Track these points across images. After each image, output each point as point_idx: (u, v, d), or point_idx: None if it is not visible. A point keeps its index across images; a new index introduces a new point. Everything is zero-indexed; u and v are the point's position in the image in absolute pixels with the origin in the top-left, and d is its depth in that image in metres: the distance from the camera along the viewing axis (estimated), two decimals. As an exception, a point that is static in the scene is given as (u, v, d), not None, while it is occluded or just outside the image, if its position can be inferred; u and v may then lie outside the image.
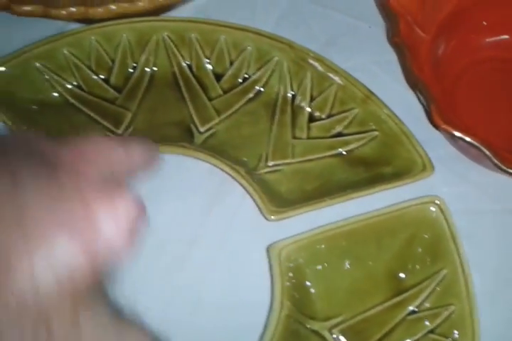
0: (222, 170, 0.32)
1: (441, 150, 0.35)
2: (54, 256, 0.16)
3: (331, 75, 0.35)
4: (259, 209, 0.30)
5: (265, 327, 0.27)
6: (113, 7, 0.33)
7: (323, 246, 0.30)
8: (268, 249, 0.29)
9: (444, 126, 0.29)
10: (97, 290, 0.18)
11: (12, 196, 0.16)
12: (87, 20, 0.36)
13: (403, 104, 0.36)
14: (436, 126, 0.29)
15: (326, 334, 0.29)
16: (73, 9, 0.33)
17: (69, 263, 0.16)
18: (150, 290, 0.30)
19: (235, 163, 0.33)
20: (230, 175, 0.32)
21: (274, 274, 0.28)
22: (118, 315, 0.19)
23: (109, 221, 0.17)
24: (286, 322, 0.27)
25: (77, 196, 0.17)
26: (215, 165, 0.33)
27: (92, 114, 0.35)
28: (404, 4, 0.32)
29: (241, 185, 0.32)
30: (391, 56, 0.40)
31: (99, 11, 0.33)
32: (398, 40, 0.31)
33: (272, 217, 0.30)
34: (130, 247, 0.18)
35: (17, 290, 0.15)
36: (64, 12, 0.33)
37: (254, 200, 0.31)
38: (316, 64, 0.35)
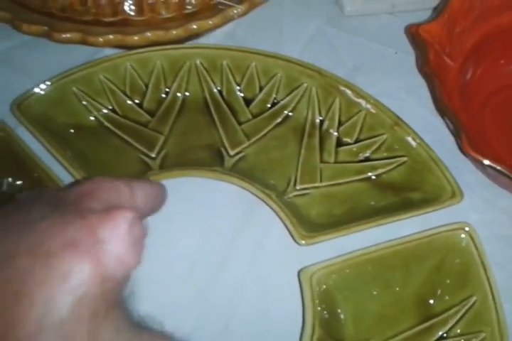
0: (252, 193, 0.33)
1: (468, 176, 0.35)
2: (69, 278, 0.17)
3: (359, 101, 0.35)
4: (290, 233, 0.31)
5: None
6: (148, 34, 0.35)
7: (353, 271, 0.30)
8: (299, 273, 0.29)
9: (474, 154, 0.29)
10: (116, 305, 0.18)
11: (22, 226, 0.18)
12: (122, 46, 0.37)
13: (429, 128, 0.37)
14: (465, 154, 0.30)
15: (356, 359, 0.29)
16: (111, 37, 0.34)
17: (84, 283, 0.17)
18: (178, 314, 0.31)
19: (264, 186, 0.34)
20: (261, 199, 0.32)
21: (306, 298, 0.28)
22: (139, 326, 0.19)
23: (112, 236, 0.18)
24: (317, 346, 0.27)
25: (79, 221, 0.18)
26: (245, 189, 0.33)
27: (126, 137, 0.36)
28: (434, 34, 0.33)
29: (272, 208, 0.32)
30: (417, 81, 0.40)
31: (135, 39, 0.34)
32: (428, 69, 0.31)
33: (303, 241, 0.30)
34: (138, 259, 0.19)
35: (38, 314, 0.16)
36: (101, 39, 0.34)
37: (285, 225, 0.31)
38: (345, 90, 0.35)
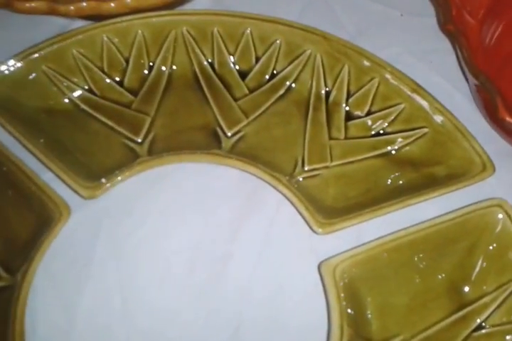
0: (258, 177, 0.29)
1: (492, 147, 0.32)
2: None
3: (372, 68, 0.31)
4: (306, 221, 0.27)
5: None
6: (128, 1, 0.30)
7: (379, 260, 0.26)
8: (320, 266, 0.26)
9: (510, 120, 0.26)
10: None
11: None
12: (96, 17, 0.32)
13: (443, 96, 0.33)
14: (499, 120, 0.26)
15: (387, 358, 0.26)
16: (83, 4, 0.29)
17: None
18: (183, 314, 0.27)
19: (270, 169, 0.30)
20: (269, 183, 0.28)
21: (330, 295, 0.25)
22: None
23: None
24: (347, 349, 0.24)
25: None
26: (249, 173, 0.29)
27: (106, 121, 0.31)
28: (453, -14, 0.29)
29: (282, 193, 0.28)
30: (427, 45, 0.37)
31: (112, 7, 0.30)
32: (452, 27, 0.28)
33: (321, 229, 0.27)
34: None
35: None
36: (72, 8, 0.30)
37: (298, 211, 0.28)
38: (354, 56, 0.31)
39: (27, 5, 0.29)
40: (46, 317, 0.26)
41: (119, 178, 0.28)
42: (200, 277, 0.28)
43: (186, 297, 0.28)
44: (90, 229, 0.28)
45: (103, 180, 0.28)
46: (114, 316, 0.27)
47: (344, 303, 0.25)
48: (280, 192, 0.28)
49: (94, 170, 0.29)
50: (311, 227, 0.27)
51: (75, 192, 0.27)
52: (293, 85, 0.33)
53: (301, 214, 0.28)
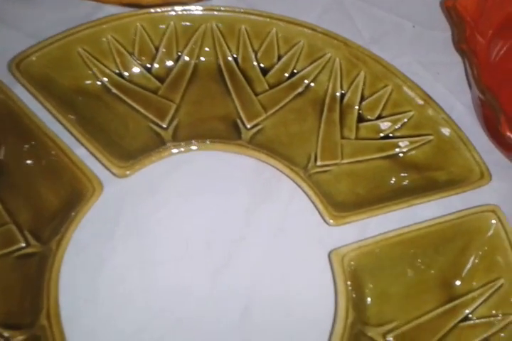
0: (278, 169, 0.31)
1: (489, 157, 0.35)
2: None
3: (386, 76, 0.34)
4: (320, 212, 0.29)
5: (330, 336, 0.26)
6: (165, -8, 0.31)
7: (383, 252, 0.29)
8: (330, 255, 0.28)
9: (510, 135, 0.28)
10: None
11: None
12: (134, 5, 0.34)
13: (446, 107, 0.35)
14: (499, 134, 0.29)
15: (381, 340, 0.28)
16: (126, -8, 0.31)
17: None
18: (196, 291, 0.29)
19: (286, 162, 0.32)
20: (287, 176, 0.31)
21: (338, 281, 0.27)
22: None
23: None
24: (350, 330, 0.26)
25: None
26: (268, 164, 0.31)
27: (134, 104, 0.33)
28: (469, 8, 0.32)
29: (298, 185, 0.30)
30: (435, 57, 0.39)
31: (151, -4, 0.31)
32: (465, 46, 0.30)
33: (332, 221, 0.29)
34: None
35: None
36: (114, -6, 0.31)
37: (313, 203, 0.30)
38: (371, 63, 0.34)
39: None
40: (71, 285, 0.27)
41: (148, 160, 0.30)
42: (214, 258, 0.30)
43: (200, 275, 0.29)
44: (115, 206, 0.30)
45: (133, 161, 0.30)
46: (134, 288, 0.28)
47: (350, 289, 0.27)
48: (296, 183, 0.31)
49: (125, 151, 0.31)
50: (323, 218, 0.29)
51: (108, 169, 0.29)
52: (311, 85, 0.35)
53: (315, 205, 0.30)
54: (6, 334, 0.26)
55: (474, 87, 0.30)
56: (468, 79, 0.35)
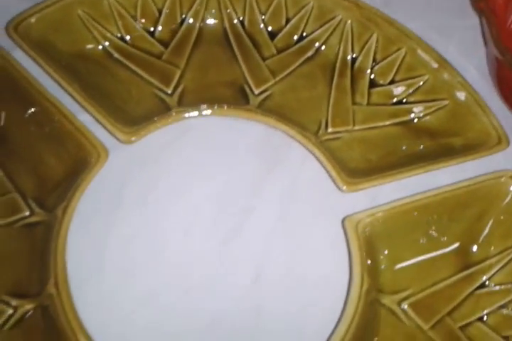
0: (289, 135, 0.30)
1: (504, 122, 0.33)
2: None
3: (400, 38, 0.32)
4: (333, 179, 0.29)
5: (345, 304, 0.26)
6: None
7: (397, 219, 0.28)
8: (344, 221, 0.27)
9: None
10: None
11: None
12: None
13: (459, 70, 0.34)
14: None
15: (395, 307, 0.28)
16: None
17: None
18: (206, 260, 0.28)
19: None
20: (299, 142, 0.30)
21: (352, 247, 0.27)
22: None
23: None
24: (365, 297, 0.26)
25: None
26: (282, 131, 0.30)
27: (137, 70, 0.32)
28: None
29: (310, 152, 0.30)
30: (448, 21, 0.38)
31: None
32: (484, 5, 0.29)
33: (345, 187, 0.28)
34: None
35: None
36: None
37: (326, 169, 0.29)
38: (384, 25, 0.32)
39: None
40: (78, 254, 0.27)
41: (153, 126, 0.29)
42: (224, 225, 0.29)
43: (210, 243, 0.29)
44: (121, 173, 0.29)
45: (138, 127, 0.29)
46: (142, 256, 0.28)
47: (364, 255, 0.27)
48: (308, 149, 0.30)
49: (129, 117, 0.30)
50: (336, 185, 0.28)
51: (113, 135, 0.28)
52: (321, 48, 0.34)
53: (327, 171, 0.29)
54: (13, 303, 0.25)
55: (492, 47, 0.29)
56: (484, 40, 0.34)
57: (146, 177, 0.29)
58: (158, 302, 0.27)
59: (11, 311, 0.25)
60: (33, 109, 0.29)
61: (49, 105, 0.28)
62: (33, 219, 0.27)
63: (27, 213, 0.27)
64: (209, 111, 0.30)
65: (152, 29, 0.33)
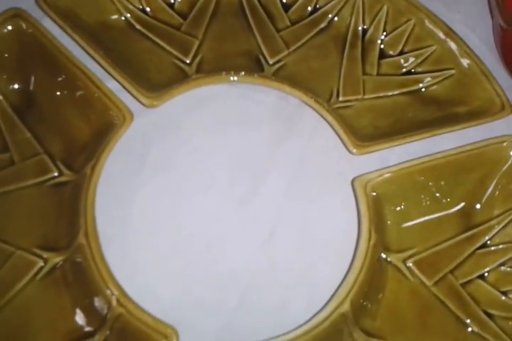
0: (304, 102, 0.31)
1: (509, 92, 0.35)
2: None
3: (410, 10, 0.34)
4: (343, 142, 0.30)
5: (353, 259, 0.28)
6: None
7: (405, 180, 0.30)
8: (353, 181, 0.29)
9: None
10: None
11: None
12: None
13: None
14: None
15: (401, 265, 0.29)
16: None
17: None
18: (223, 220, 0.30)
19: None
20: (312, 108, 0.31)
21: (361, 205, 0.28)
22: None
23: None
24: (373, 252, 0.27)
25: None
26: (296, 97, 0.32)
27: (158, 40, 0.33)
28: None
29: (323, 117, 0.31)
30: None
31: None
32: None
33: (355, 150, 0.30)
34: None
35: None
36: None
37: (337, 133, 0.31)
38: (394, -3, 0.34)
39: None
40: (104, 209, 0.28)
41: (176, 91, 0.31)
42: (239, 189, 0.31)
43: (226, 206, 0.30)
44: (144, 136, 0.31)
45: (161, 92, 0.30)
46: (164, 215, 0.30)
47: (372, 213, 0.28)
48: (321, 115, 0.31)
49: (152, 84, 0.31)
50: (347, 148, 0.30)
51: (137, 99, 0.30)
52: (332, 21, 0.35)
53: (338, 135, 0.31)
54: (44, 255, 0.27)
55: (497, 16, 0.30)
56: (490, 10, 0.35)
57: (167, 143, 0.31)
58: (180, 256, 0.29)
59: (41, 263, 0.27)
60: (61, 76, 0.30)
61: (77, 71, 0.30)
62: (62, 179, 0.29)
63: (55, 174, 0.29)
64: (227, 78, 0.32)
65: (172, 1, 0.35)
